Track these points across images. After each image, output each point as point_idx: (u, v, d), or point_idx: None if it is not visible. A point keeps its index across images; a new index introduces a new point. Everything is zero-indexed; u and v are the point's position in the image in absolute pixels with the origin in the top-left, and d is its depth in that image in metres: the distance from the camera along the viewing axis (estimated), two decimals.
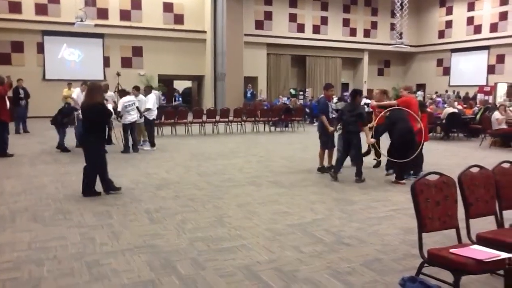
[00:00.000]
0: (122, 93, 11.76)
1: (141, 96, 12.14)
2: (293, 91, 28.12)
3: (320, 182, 8.18)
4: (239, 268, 4.22)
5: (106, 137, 11.80)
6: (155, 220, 5.76)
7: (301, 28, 28.90)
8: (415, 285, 3.29)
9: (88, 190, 6.95)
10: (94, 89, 7.15)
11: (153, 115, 12.13)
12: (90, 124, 6.97)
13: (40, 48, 22.47)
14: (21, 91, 15.63)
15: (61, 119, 11.56)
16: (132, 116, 11.40)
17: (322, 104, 9.20)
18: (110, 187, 7.11)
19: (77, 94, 12.03)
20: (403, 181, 7.99)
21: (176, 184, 7.88)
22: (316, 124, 19.89)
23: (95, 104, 6.93)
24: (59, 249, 4.67)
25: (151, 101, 11.91)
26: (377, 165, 9.53)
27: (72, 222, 5.63)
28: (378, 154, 9.47)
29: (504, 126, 13.06)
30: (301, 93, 28.29)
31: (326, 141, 8.96)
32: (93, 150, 6.95)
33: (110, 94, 13.17)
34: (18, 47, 21.99)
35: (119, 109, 11.50)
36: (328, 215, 6.05)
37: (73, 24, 20.14)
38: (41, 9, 22.06)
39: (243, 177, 8.56)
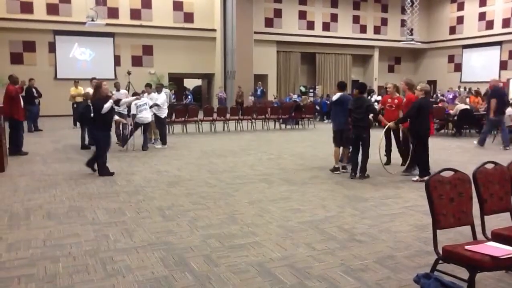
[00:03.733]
0: (134, 95, 11.93)
1: (153, 94, 12.22)
2: (303, 89, 28.08)
3: (331, 179, 8.16)
4: (252, 265, 4.23)
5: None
6: (167, 217, 5.79)
7: (310, 26, 28.83)
8: (430, 281, 3.28)
9: (103, 170, 8.41)
10: (97, 87, 8.72)
11: (164, 113, 12.17)
12: (96, 115, 8.45)
13: (52, 48, 22.69)
14: (34, 91, 15.79)
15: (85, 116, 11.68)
16: (146, 116, 11.47)
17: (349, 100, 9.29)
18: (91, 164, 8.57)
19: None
20: (426, 178, 7.92)
21: (188, 181, 7.92)
22: (326, 121, 20.02)
23: (97, 99, 8.48)
24: (74, 246, 4.72)
25: (162, 98, 11.98)
26: (388, 162, 9.45)
27: (86, 219, 5.68)
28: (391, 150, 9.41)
29: None
30: (311, 90, 28.24)
31: (334, 138, 8.90)
32: (99, 135, 8.48)
33: (123, 91, 13.27)
34: (30, 46, 22.22)
35: (132, 111, 11.53)
36: (340, 212, 6.04)
37: (84, 23, 20.33)
38: (52, 9, 22.26)
39: (254, 174, 8.57)
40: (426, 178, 7.81)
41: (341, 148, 8.80)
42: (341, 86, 9.11)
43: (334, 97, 8.96)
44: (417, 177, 8.00)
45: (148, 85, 12.61)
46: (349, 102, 8.55)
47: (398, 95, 9.54)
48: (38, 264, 4.25)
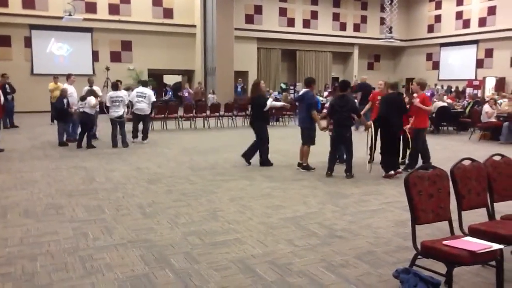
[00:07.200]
0: (114, 86, 11.78)
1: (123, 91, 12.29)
2: (283, 86, 28.13)
3: (312, 176, 8.21)
4: (233, 262, 4.23)
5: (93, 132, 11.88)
6: (148, 214, 5.75)
7: (291, 23, 28.86)
8: (409, 276, 3.32)
9: (265, 161, 9.04)
10: (255, 85, 9.32)
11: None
12: (257, 110, 9.11)
13: (28, 43, 22.19)
14: (7, 86, 15.44)
15: (62, 113, 11.50)
16: (118, 111, 11.36)
17: (312, 97, 8.75)
18: (247, 157, 9.14)
19: (70, 90, 12.09)
20: (392, 172, 8.02)
21: (168, 178, 7.87)
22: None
23: (259, 96, 9.10)
24: (52, 244, 4.65)
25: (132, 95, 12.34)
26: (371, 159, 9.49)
27: (64, 217, 5.60)
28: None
29: (493, 119, 13.20)
30: (291, 87, 28.30)
31: (314, 136, 8.72)
32: (262, 129, 9.02)
33: (96, 88, 13.15)
34: (5, 41, 21.68)
35: (107, 103, 11.50)
36: (321, 208, 6.08)
37: (61, 18, 19.89)
38: (28, 3, 21.75)
39: (236, 171, 8.56)
40: (391, 173, 7.95)
41: (304, 146, 8.70)
42: (306, 83, 8.99)
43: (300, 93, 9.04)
44: (384, 173, 8.12)
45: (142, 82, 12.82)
46: (312, 99, 8.56)
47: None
48: (16, 262, 4.17)
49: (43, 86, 16.70)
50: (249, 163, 9.07)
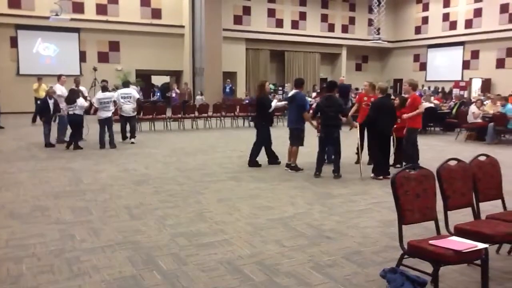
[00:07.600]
0: (104, 88, 11.72)
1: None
2: (272, 86, 28.15)
3: (300, 176, 8.22)
4: (221, 263, 4.22)
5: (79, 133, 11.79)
6: (135, 216, 5.71)
7: (279, 23, 28.93)
8: (396, 276, 3.34)
9: (253, 162, 9.00)
10: (260, 86, 9.32)
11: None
12: (262, 111, 9.04)
13: (14, 43, 21.95)
14: None
15: (46, 114, 11.38)
16: (107, 113, 11.32)
17: (303, 98, 8.82)
18: (272, 161, 9.25)
19: (60, 90, 11.97)
20: (381, 177, 8.02)
21: (156, 179, 7.83)
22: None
23: (263, 96, 9.12)
24: (38, 246, 4.60)
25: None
26: (358, 160, 9.53)
27: (51, 218, 5.54)
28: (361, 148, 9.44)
29: (479, 120, 13.33)
30: (280, 88, 28.34)
31: (303, 137, 8.76)
32: (264, 130, 9.02)
33: (82, 88, 13.07)
34: None
35: (95, 104, 11.42)
36: (309, 209, 6.10)
37: (47, 18, 19.71)
38: (14, 2, 21.53)
39: (224, 172, 8.55)
40: (380, 177, 7.95)
41: (293, 147, 8.70)
42: (297, 84, 8.92)
43: (289, 94, 9.04)
44: (373, 174, 8.14)
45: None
46: (304, 100, 8.57)
47: (374, 93, 9.61)
48: (1, 265, 4.13)
49: (29, 86, 16.55)
50: (279, 162, 9.22)
